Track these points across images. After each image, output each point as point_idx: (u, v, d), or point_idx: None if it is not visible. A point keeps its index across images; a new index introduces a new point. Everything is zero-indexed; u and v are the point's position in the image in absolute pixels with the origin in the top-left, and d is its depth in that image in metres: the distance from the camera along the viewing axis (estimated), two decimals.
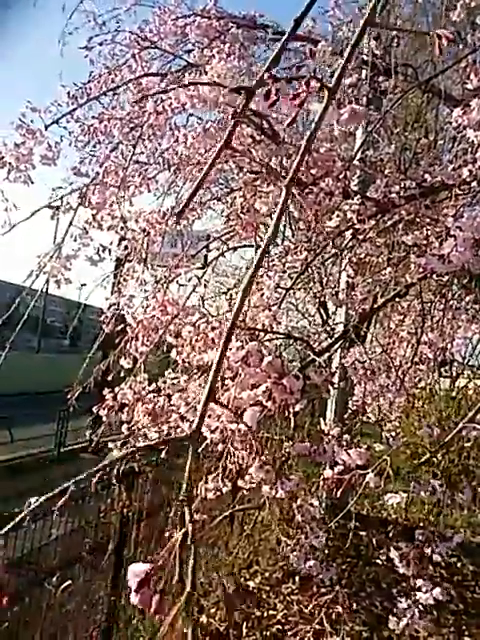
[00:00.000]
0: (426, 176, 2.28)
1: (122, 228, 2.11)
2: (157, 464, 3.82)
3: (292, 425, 1.25)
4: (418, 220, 2.36)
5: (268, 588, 4.63)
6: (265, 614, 4.23)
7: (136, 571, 0.53)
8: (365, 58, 3.32)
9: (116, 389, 1.53)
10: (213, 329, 1.40)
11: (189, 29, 2.86)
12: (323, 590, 4.43)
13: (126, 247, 2.25)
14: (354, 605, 4.39)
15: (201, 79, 1.65)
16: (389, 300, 1.63)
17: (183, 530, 0.54)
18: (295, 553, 1.20)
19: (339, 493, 1.15)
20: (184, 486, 0.59)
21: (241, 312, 0.67)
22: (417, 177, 2.18)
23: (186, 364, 1.47)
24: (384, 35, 3.56)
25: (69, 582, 2.99)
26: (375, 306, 1.69)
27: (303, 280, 2.18)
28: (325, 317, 5.44)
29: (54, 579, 3.10)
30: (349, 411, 3.59)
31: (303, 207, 1.78)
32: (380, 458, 1.35)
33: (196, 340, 1.40)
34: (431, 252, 1.88)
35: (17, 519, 0.65)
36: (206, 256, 2.79)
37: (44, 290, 2.12)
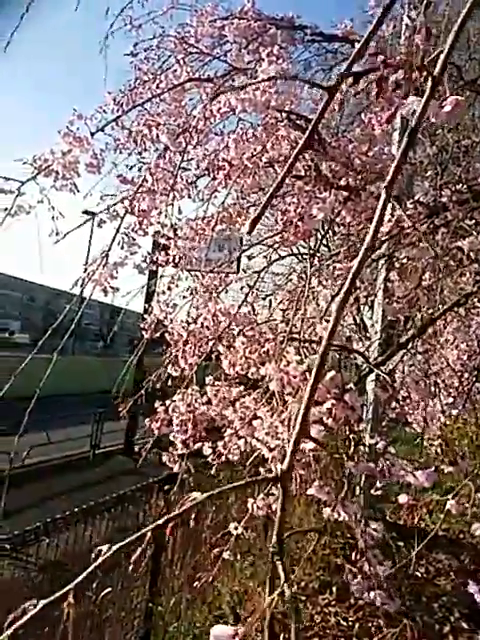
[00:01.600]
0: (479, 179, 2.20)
1: (163, 235, 2.09)
2: (195, 470, 3.79)
3: (353, 444, 1.19)
4: (469, 225, 2.27)
5: (304, 598, 4.55)
6: (302, 626, 4.14)
7: (219, 635, 0.49)
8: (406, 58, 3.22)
9: (167, 402, 1.50)
10: (267, 341, 1.35)
11: (228, 30, 2.83)
12: (360, 602, 4.32)
13: (167, 253, 2.23)
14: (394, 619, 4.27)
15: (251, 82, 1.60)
16: (449, 309, 1.56)
17: (278, 591, 0.48)
18: (356, 582, 1.14)
19: (415, 519, 1.08)
20: (274, 536, 0.54)
21: (335, 333, 0.62)
22: (469, 181, 2.10)
23: (237, 376, 1.43)
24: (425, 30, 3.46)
25: (108, 589, 2.99)
26: (435, 315, 1.61)
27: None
28: (361, 323, 5.33)
29: (93, 585, 3.12)
30: (387, 418, 3.49)
31: (355, 212, 1.72)
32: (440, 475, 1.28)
33: (250, 352, 1.35)
34: None
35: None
36: (239, 259, 2.74)
37: (84, 295, 2.12)
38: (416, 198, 2.15)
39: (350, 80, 1.15)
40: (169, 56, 2.26)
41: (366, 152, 1.98)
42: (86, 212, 2.33)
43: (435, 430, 2.89)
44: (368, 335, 3.74)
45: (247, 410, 1.21)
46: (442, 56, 0.64)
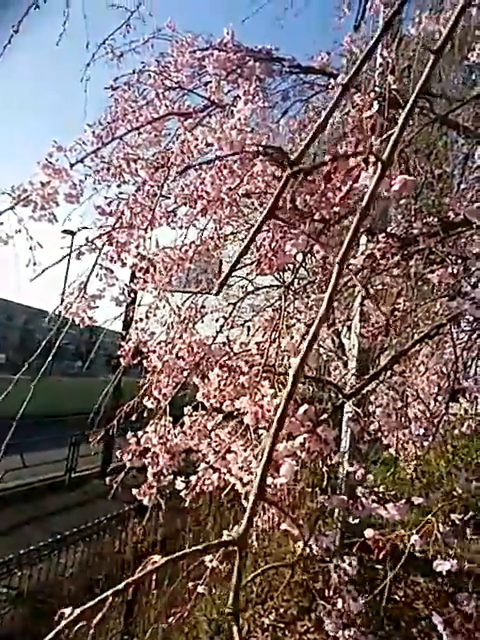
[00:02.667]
0: (449, 213, 2.28)
1: (141, 268, 2.11)
2: (171, 496, 3.74)
3: (326, 477, 1.21)
4: (442, 251, 2.35)
5: (283, 625, 4.50)
6: None
7: None
8: (379, 90, 3.35)
9: (139, 433, 1.50)
10: (242, 374, 1.37)
11: (207, 62, 2.91)
12: None
13: (145, 280, 2.24)
14: None
15: (227, 121, 1.65)
16: (420, 340, 1.60)
17: None
18: (330, 621, 1.14)
19: (381, 556, 1.10)
20: (231, 597, 0.55)
21: (303, 369, 0.65)
22: (439, 213, 2.18)
23: (212, 408, 1.45)
24: (398, 67, 3.60)
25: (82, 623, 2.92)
26: (406, 347, 1.65)
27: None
28: (340, 346, 5.40)
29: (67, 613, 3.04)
30: (364, 442, 3.52)
31: (328, 246, 1.77)
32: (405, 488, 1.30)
33: (225, 385, 1.37)
34: (462, 294, 1.85)
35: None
36: (222, 284, 2.77)
37: (59, 314, 2.11)
38: (389, 230, 2.22)
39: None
40: (148, 89, 2.31)
41: (340, 186, 2.03)
42: (65, 231, 2.34)
43: (411, 453, 2.93)
44: (346, 358, 3.79)
45: (221, 443, 1.22)
46: (391, 140, 0.69)
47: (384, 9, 3.22)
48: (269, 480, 1.05)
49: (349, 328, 3.25)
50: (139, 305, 2.43)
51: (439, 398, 2.41)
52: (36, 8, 2.64)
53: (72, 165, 2.01)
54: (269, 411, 1.18)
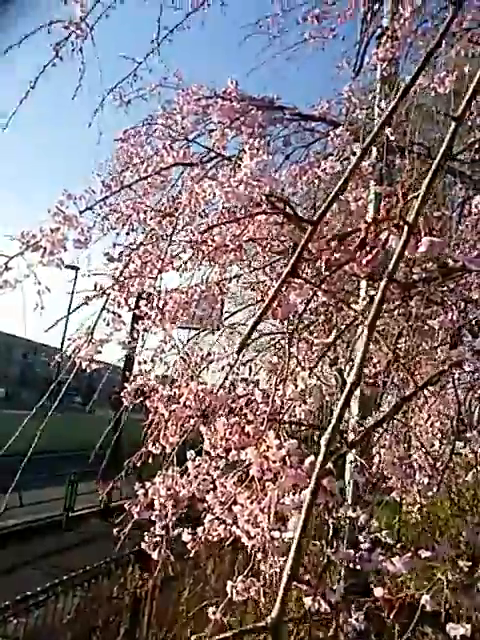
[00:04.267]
0: (448, 260, 2.33)
1: (147, 314, 2.14)
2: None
3: (332, 530, 1.21)
4: (442, 291, 2.39)
5: None
6: None
7: None
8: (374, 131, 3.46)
9: (147, 484, 1.50)
10: (248, 423, 1.39)
11: (211, 109, 3.03)
12: None
13: (152, 322, 2.28)
14: None
15: (233, 174, 1.72)
16: (422, 387, 1.62)
17: None
18: None
19: (392, 616, 1.09)
20: None
21: (335, 439, 0.67)
22: (438, 258, 2.22)
23: (218, 457, 1.45)
24: (396, 117, 3.74)
25: None
26: (408, 394, 1.67)
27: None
28: (341, 383, 5.38)
29: None
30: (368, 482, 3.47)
31: (331, 293, 1.81)
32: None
33: (231, 434, 1.38)
34: (464, 342, 1.89)
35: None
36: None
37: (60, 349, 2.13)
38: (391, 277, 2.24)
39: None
40: (155, 140, 2.41)
41: (343, 229, 2.11)
42: (69, 267, 2.39)
43: (414, 493, 2.89)
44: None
45: (227, 494, 1.22)
46: (416, 205, 0.73)
47: (381, 63, 3.37)
48: (277, 534, 1.05)
49: (351, 367, 3.26)
50: (143, 346, 2.45)
51: (442, 442, 2.41)
52: (53, 66, 2.77)
53: (81, 212, 2.08)
54: (274, 462, 1.19)
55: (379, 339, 2.77)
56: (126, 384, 2.41)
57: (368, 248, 0.79)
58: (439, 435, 1.98)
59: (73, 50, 2.94)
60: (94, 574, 3.38)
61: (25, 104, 2.79)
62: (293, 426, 1.51)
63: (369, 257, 0.79)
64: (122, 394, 2.43)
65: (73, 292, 2.26)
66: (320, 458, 0.68)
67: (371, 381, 2.20)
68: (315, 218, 0.86)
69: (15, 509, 7.88)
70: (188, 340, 2.16)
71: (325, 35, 4.26)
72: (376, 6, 4.25)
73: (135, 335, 2.64)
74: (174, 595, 3.77)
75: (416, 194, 0.75)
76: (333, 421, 0.66)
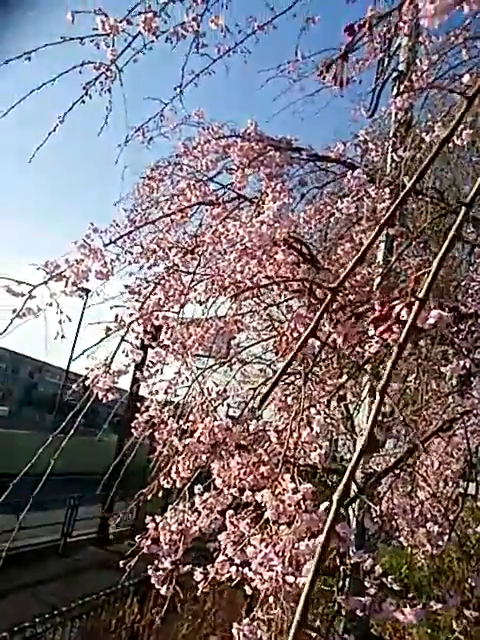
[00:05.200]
0: (460, 306, 2.37)
1: (165, 345, 2.17)
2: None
3: (343, 576, 1.21)
4: (452, 331, 2.42)
5: None
6: None
7: None
8: (390, 179, 3.57)
9: (158, 518, 1.50)
10: (263, 463, 1.40)
11: (232, 150, 3.14)
12: None
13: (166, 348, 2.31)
14: None
15: (255, 215, 1.78)
16: (432, 435, 1.63)
17: None
18: None
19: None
20: None
21: (348, 495, 0.69)
22: (451, 304, 2.27)
23: (231, 496, 1.46)
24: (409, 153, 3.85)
25: None
26: (420, 440, 1.68)
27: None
28: (347, 417, 5.35)
29: None
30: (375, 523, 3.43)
31: (344, 335, 1.85)
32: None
33: (244, 473, 1.40)
34: (473, 387, 1.90)
35: None
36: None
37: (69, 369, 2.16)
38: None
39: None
40: (179, 179, 2.50)
41: (356, 279, 2.16)
42: (81, 289, 2.45)
43: (423, 540, 2.85)
44: (355, 437, 3.77)
45: (240, 535, 1.23)
46: (427, 280, 0.76)
47: (397, 111, 3.49)
48: (291, 579, 1.06)
49: (359, 405, 3.26)
50: (154, 376, 2.48)
51: (449, 484, 2.40)
52: (82, 102, 2.90)
53: (106, 245, 2.14)
54: (290, 506, 1.20)
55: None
56: (137, 414, 2.43)
57: (382, 318, 0.83)
58: (449, 483, 1.98)
59: (102, 90, 3.07)
60: (92, 606, 3.32)
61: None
62: (307, 468, 1.52)
63: (383, 328, 0.82)
64: (133, 425, 2.45)
65: (83, 313, 2.31)
66: (331, 515, 0.70)
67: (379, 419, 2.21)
68: (335, 284, 0.90)
69: (11, 533, 7.75)
70: (202, 371, 2.18)
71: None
72: (392, 49, 4.43)
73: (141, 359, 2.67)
74: (172, 630, 3.69)
75: (428, 270, 0.79)
76: (344, 479, 0.69)
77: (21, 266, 2.07)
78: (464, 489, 1.65)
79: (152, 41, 2.84)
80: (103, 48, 3.05)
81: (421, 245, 4.14)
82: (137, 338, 1.99)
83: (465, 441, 1.86)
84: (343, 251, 3.35)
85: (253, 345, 2.90)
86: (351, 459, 0.76)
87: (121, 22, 2.80)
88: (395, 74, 4.64)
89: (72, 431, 2.28)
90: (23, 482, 2.33)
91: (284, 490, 1.21)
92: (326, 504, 1.17)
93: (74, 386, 1.95)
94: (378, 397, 0.74)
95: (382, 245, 4.13)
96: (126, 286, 2.05)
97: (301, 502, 1.19)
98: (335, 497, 0.77)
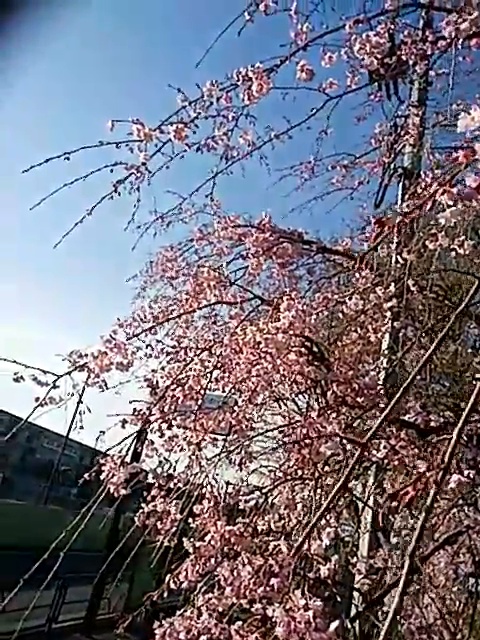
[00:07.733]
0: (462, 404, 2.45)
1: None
2: None
3: None
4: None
5: None
6: None
7: None
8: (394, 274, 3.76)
9: (165, 622, 1.49)
10: (274, 575, 1.43)
11: (247, 240, 3.37)
12: None
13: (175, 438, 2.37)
14: None
15: (273, 324, 1.91)
16: (437, 548, 1.65)
17: None
18: None
19: None
20: None
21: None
22: (454, 407, 2.35)
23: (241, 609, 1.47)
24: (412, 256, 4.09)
25: None
26: (427, 552, 1.70)
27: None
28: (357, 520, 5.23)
29: None
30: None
31: (354, 441, 1.91)
32: None
33: (254, 584, 1.42)
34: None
35: None
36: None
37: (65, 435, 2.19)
38: (408, 418, 2.37)
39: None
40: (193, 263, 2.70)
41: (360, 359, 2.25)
42: (80, 366, 2.53)
43: None
44: (359, 532, 3.70)
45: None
46: (449, 450, 0.87)
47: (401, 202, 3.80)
48: None
49: (366, 503, 3.24)
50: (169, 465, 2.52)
51: (455, 585, 2.34)
52: (111, 198, 3.15)
53: (128, 338, 2.27)
54: (300, 623, 1.22)
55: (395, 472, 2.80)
56: (143, 505, 2.44)
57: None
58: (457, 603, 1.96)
59: (131, 188, 3.35)
60: None
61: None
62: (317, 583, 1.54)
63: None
64: (137, 516, 2.45)
65: (84, 389, 2.38)
66: None
67: (385, 507, 2.22)
68: (365, 440, 0.99)
69: None
70: (214, 465, 2.23)
71: (353, 186, 4.84)
72: (397, 148, 4.85)
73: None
74: None
75: (449, 436, 0.89)
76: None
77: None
78: (474, 588, 1.64)
79: (185, 150, 3.14)
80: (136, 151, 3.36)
81: (426, 338, 4.27)
82: (152, 431, 2.06)
83: (470, 553, 1.86)
84: (350, 340, 3.50)
85: (264, 432, 2.95)
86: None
87: (154, 130, 3.11)
88: (400, 171, 5.03)
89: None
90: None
91: (295, 606, 1.23)
92: (336, 624, 1.20)
93: (86, 476, 1.99)
94: (406, 569, 0.81)
95: (387, 335, 4.27)
96: (145, 379, 2.15)
97: (311, 619, 1.21)
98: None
